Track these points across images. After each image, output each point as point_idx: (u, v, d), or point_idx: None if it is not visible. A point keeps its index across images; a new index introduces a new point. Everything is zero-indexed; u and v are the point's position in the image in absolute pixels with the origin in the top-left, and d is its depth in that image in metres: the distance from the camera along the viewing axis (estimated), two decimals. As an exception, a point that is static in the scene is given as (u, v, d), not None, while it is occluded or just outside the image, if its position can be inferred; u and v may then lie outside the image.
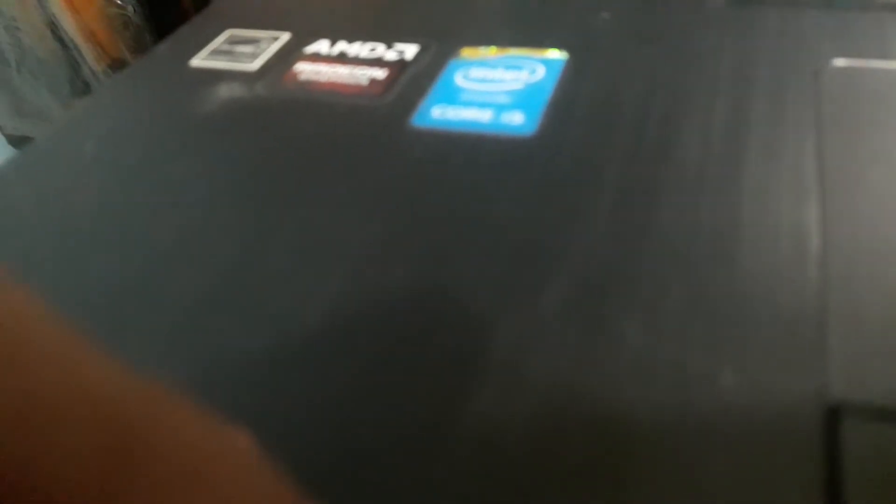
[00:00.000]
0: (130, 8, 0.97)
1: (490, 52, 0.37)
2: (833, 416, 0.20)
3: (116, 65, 1.00)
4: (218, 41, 0.42)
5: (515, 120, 0.32)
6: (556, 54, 0.36)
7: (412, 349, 0.24)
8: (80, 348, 0.11)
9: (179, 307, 0.26)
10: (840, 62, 0.33)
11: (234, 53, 0.41)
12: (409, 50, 0.38)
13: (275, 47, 0.41)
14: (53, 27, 0.98)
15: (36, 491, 0.10)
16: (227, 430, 0.14)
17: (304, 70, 0.38)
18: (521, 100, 0.34)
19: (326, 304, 0.25)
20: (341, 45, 0.40)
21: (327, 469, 0.20)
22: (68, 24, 0.98)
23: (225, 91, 0.38)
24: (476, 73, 0.36)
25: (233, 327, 0.25)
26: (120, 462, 0.11)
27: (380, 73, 0.37)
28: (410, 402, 0.22)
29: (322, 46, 0.40)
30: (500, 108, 0.33)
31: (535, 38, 0.38)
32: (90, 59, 1.00)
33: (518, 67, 0.36)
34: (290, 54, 0.40)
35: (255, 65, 0.40)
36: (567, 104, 0.33)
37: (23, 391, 0.10)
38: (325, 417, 0.22)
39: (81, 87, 1.03)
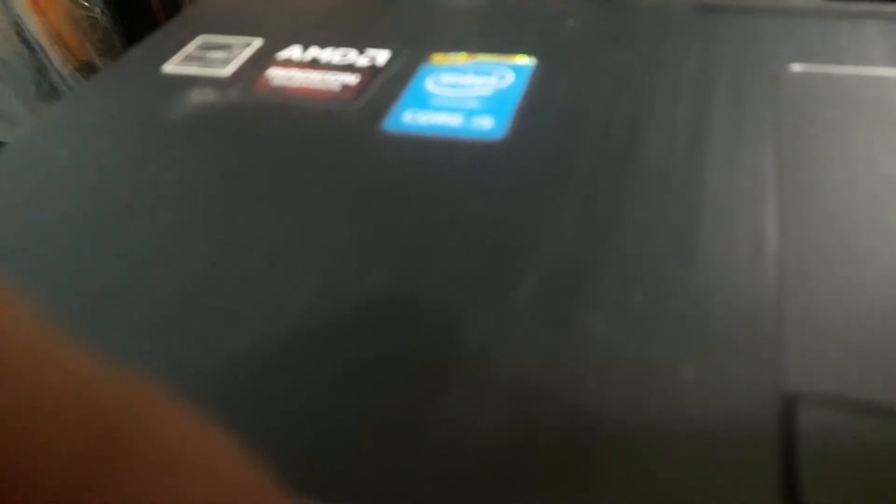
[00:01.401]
0: (98, 10, 0.96)
1: (460, 57, 0.38)
2: (790, 404, 0.21)
3: (84, 67, 0.98)
4: (190, 47, 0.43)
5: (485, 124, 0.33)
6: (525, 60, 0.37)
7: (386, 347, 0.24)
8: (60, 344, 0.12)
9: (155, 310, 0.27)
10: (797, 67, 0.34)
11: (207, 59, 0.41)
12: (381, 55, 0.39)
13: (247, 53, 0.41)
14: (19, 28, 0.97)
15: (15, 487, 0.10)
16: (209, 424, 0.14)
17: (277, 76, 0.39)
18: (490, 105, 0.34)
19: (301, 305, 0.26)
20: (313, 51, 0.40)
21: (304, 464, 0.21)
22: (34, 26, 0.97)
23: (197, 97, 0.38)
24: (446, 78, 0.37)
25: (208, 329, 0.26)
26: (100, 458, 0.11)
27: (352, 79, 0.37)
28: (384, 398, 0.23)
29: (294, 52, 0.40)
30: (470, 113, 0.34)
31: (504, 45, 0.39)
32: (57, 61, 0.99)
33: (488, 73, 0.36)
34: (262, 60, 0.40)
35: (228, 70, 0.40)
36: (535, 109, 0.34)
37: (2, 387, 0.10)
38: (301, 415, 0.23)
39: (48, 89, 1.01)
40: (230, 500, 0.14)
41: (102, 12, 0.95)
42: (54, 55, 0.96)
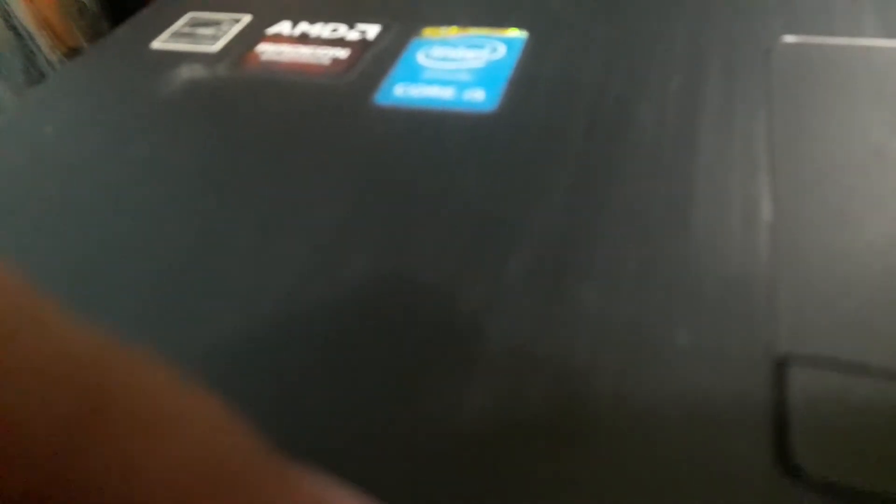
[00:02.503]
0: (86, -5, 0.95)
1: (451, 31, 0.38)
2: (781, 366, 0.21)
3: (73, 54, 0.98)
4: (178, 24, 0.42)
5: (477, 97, 0.33)
6: (517, 33, 0.37)
7: (376, 320, 0.24)
8: (43, 310, 0.12)
9: (143, 286, 0.26)
10: (789, 39, 0.34)
11: (195, 35, 0.41)
12: (371, 30, 0.39)
13: (236, 29, 0.41)
14: (6, 16, 0.96)
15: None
16: (195, 387, 0.14)
17: (266, 51, 0.38)
18: (482, 77, 0.34)
19: (291, 280, 0.26)
20: (303, 26, 0.40)
21: (293, 437, 0.21)
22: (22, 13, 0.96)
23: (186, 72, 0.38)
24: (438, 51, 0.36)
25: (197, 305, 0.25)
26: (86, 422, 0.11)
27: (342, 53, 0.37)
28: (374, 370, 0.23)
29: (284, 27, 0.40)
30: (461, 86, 0.34)
31: (495, 18, 0.39)
32: (45, 47, 0.98)
33: (479, 46, 0.36)
34: (251, 36, 0.40)
35: (217, 46, 0.39)
36: (527, 81, 0.34)
37: None
38: (290, 388, 0.22)
39: (37, 76, 1.00)
40: (217, 462, 0.14)
41: (91, -2, 0.94)
42: (42, 41, 0.96)
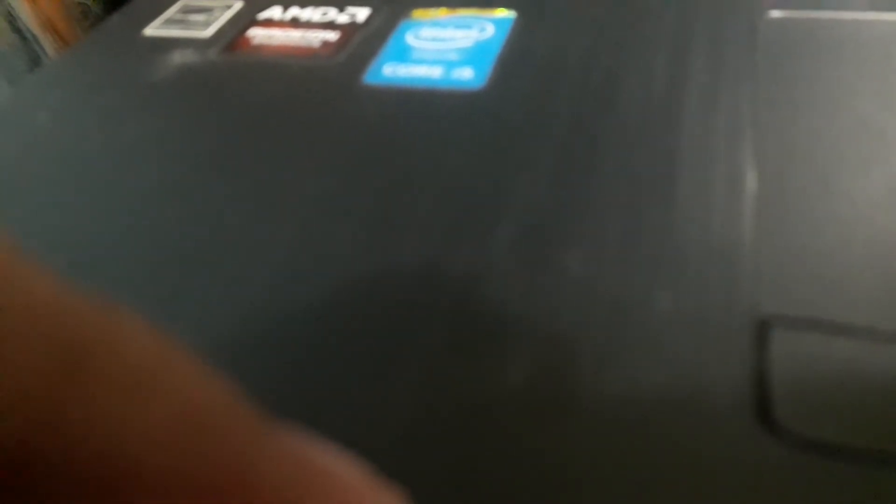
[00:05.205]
0: (89, -3, 0.95)
1: (441, 12, 0.38)
2: (763, 328, 0.21)
3: (76, 54, 0.98)
4: (171, 11, 0.42)
5: (465, 75, 0.33)
6: (505, 13, 0.37)
7: (366, 293, 0.24)
8: (25, 266, 0.12)
9: (136, 267, 0.27)
10: (776, 14, 0.34)
11: (188, 22, 0.41)
12: (361, 13, 0.39)
13: (228, 14, 0.41)
14: (11, 18, 0.97)
15: None
16: (181, 346, 0.14)
17: (257, 35, 0.39)
18: (470, 56, 0.34)
19: (284, 256, 0.26)
20: (293, 11, 0.40)
21: (279, 410, 0.21)
22: (26, 15, 0.96)
23: (178, 58, 0.38)
24: (427, 32, 0.36)
25: (188, 285, 0.26)
26: (68, 376, 0.11)
27: (332, 36, 0.37)
28: (362, 339, 0.23)
29: (275, 12, 0.40)
30: (450, 65, 0.34)
31: (484, -1, 0.39)
32: (50, 49, 0.98)
33: (468, 26, 0.36)
34: (242, 21, 0.40)
35: (209, 32, 0.40)
36: (515, 59, 0.34)
37: None
38: (278, 363, 0.23)
39: (40, 77, 1.01)
40: (200, 417, 0.14)
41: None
42: (47, 44, 0.96)
